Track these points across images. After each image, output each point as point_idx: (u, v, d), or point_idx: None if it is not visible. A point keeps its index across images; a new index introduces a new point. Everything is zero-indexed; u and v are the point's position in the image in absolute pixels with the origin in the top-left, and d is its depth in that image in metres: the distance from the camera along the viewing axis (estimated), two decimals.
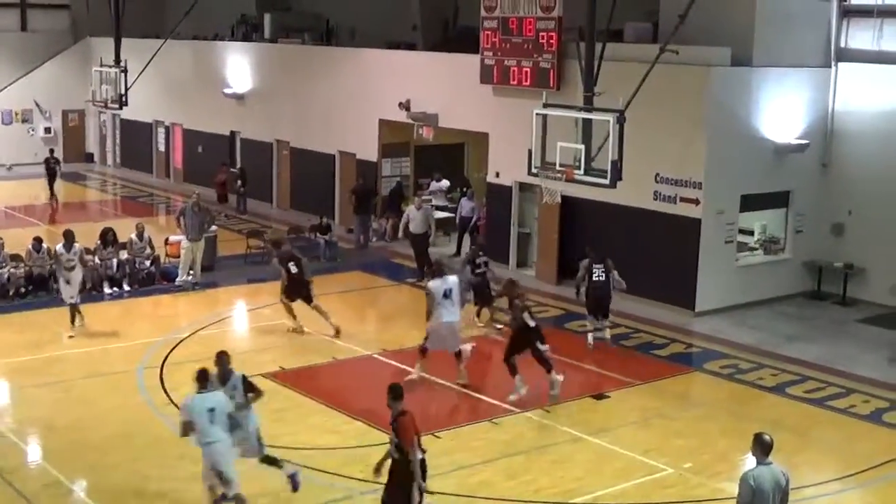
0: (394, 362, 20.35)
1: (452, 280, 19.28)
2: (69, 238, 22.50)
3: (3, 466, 15.21)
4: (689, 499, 14.65)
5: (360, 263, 28.96)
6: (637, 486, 14.98)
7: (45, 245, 25.48)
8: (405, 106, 30.80)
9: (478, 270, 22.96)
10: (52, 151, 42.34)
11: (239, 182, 36.79)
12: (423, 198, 28.83)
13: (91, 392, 18.61)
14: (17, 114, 48.01)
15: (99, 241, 25.94)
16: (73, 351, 20.98)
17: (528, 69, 26.58)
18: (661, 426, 17.43)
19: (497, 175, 28.50)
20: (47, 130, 48.57)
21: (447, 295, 18.99)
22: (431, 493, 13.14)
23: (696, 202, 23.67)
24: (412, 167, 33.22)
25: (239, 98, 38.99)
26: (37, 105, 48.33)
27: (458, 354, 19.14)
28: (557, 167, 19.44)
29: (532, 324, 18.44)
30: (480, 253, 23.49)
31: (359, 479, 14.77)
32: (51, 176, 40.43)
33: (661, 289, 24.32)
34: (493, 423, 17.21)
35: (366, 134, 32.69)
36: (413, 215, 26.98)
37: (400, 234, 28.06)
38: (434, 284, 19.09)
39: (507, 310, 19.51)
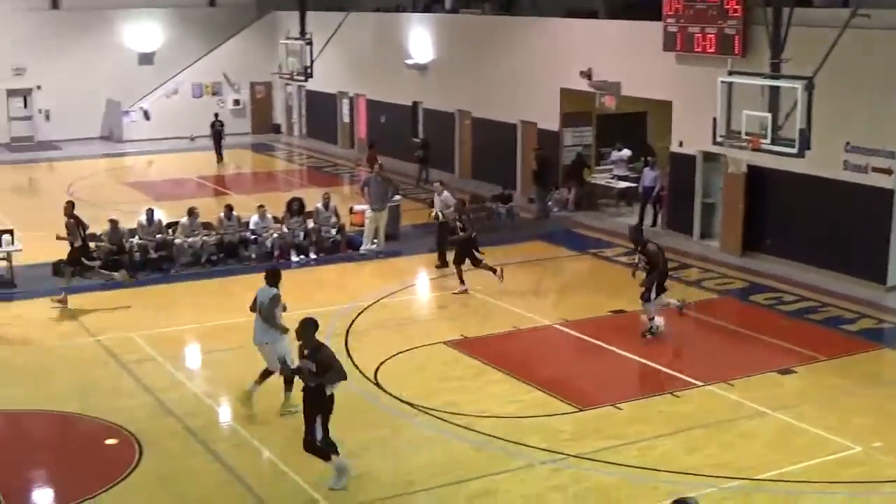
0: (575, 332, 20.33)
1: None
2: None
3: (197, 426, 15.79)
4: (880, 478, 14.22)
5: (541, 233, 28.94)
6: (822, 465, 14.61)
7: (235, 213, 26.30)
8: (587, 74, 30.58)
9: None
10: (216, 115, 44.05)
11: (420, 152, 37.14)
12: (442, 182, 27.45)
13: None
14: (206, 87, 49.46)
15: (286, 211, 26.65)
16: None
17: (713, 36, 26.05)
18: (848, 404, 16.90)
19: (680, 144, 28.08)
20: (236, 103, 49.93)
21: None
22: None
23: (889, 172, 22.80)
24: (594, 136, 32.98)
25: (421, 69, 39.32)
26: (226, 78, 49.70)
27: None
28: (743, 136, 19.09)
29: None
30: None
31: (539, 449, 14.84)
32: (217, 139, 42.09)
33: (850, 262, 23.61)
34: (675, 396, 17.03)
35: (547, 103, 32.59)
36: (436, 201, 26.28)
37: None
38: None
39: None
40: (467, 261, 23.09)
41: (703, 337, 20.68)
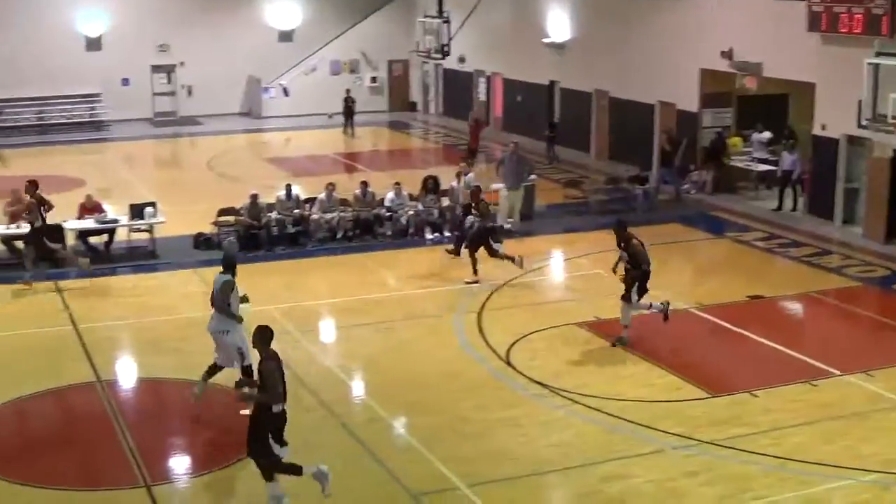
0: (710, 317, 20.05)
1: None
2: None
3: (331, 399, 16.00)
4: None
5: (678, 215, 28.57)
6: None
7: (370, 189, 26.54)
8: (728, 55, 30.06)
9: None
10: (348, 91, 44.74)
11: (548, 130, 36.96)
12: (469, 163, 26.88)
13: (412, 333, 19.27)
14: (345, 64, 49.94)
15: (421, 188, 26.80)
16: (395, 293, 21.77)
17: (860, 15, 25.31)
18: None
19: (823, 127, 27.40)
20: (373, 80, 50.32)
21: None
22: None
23: None
24: (734, 118, 32.41)
25: (558, 47, 39.10)
26: (363, 56, 50.12)
27: None
28: (889, 119, 18.57)
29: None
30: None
31: (672, 434, 14.69)
32: (347, 114, 42.83)
33: None
34: (812, 385, 16.67)
35: (686, 83, 32.13)
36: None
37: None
38: None
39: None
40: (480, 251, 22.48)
41: (843, 326, 20.20)
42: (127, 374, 17.93)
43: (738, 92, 31.38)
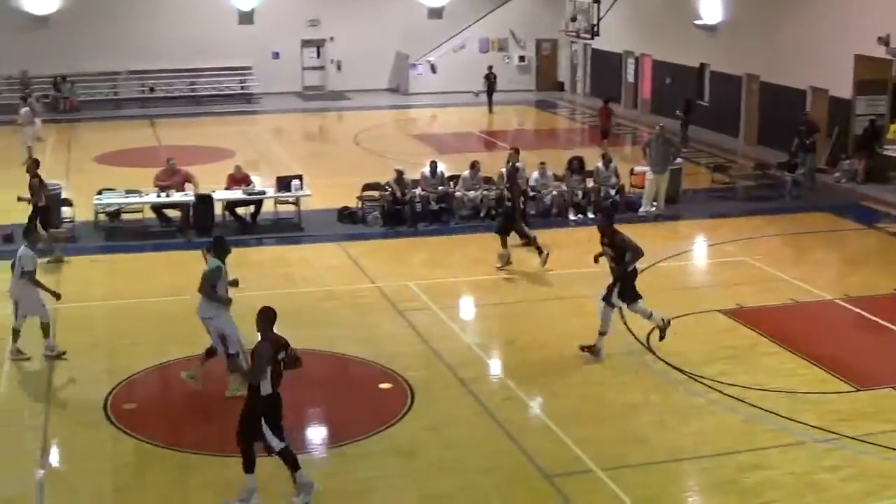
0: (857, 309, 19.53)
1: None
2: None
3: (469, 377, 16.04)
4: None
5: (827, 205, 27.88)
6: None
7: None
8: (885, 41, 29.17)
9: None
10: (490, 67, 44.87)
11: (680, 111, 36.39)
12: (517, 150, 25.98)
13: (552, 314, 19.20)
14: (493, 42, 49.95)
15: (567, 169, 26.68)
16: (537, 272, 21.71)
17: None
18: None
19: None
20: (521, 59, 50.26)
21: None
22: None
23: None
24: (888, 106, 31.45)
25: (710, 30, 38.47)
26: (512, 34, 50.06)
27: None
28: None
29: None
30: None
31: (813, 426, 14.38)
32: (489, 91, 42.96)
33: None
34: None
35: (840, 69, 31.28)
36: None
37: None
38: None
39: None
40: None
41: None
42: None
43: (895, 79, 30.45)
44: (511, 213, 22.35)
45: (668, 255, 22.59)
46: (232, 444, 12.42)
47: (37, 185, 22.71)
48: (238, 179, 25.54)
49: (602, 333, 16.73)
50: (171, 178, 25.32)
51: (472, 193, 25.77)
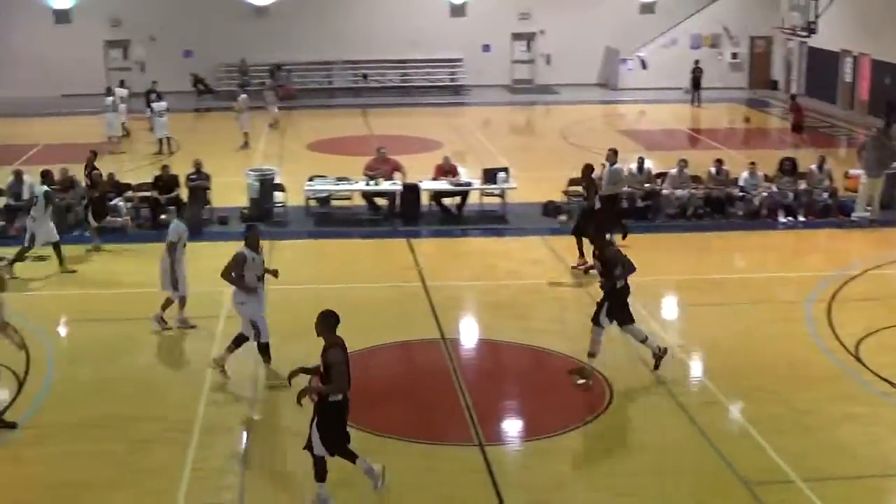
0: None
1: None
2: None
3: (668, 378, 15.80)
4: None
5: None
6: None
7: (725, 168, 26.01)
8: None
9: None
10: (696, 62, 44.32)
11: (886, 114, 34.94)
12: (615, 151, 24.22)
13: (756, 318, 18.73)
14: (705, 38, 49.12)
15: (777, 170, 26.02)
16: (742, 276, 21.28)
17: None
18: None
19: None
20: (734, 56, 49.29)
21: None
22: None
23: None
24: None
25: None
26: (725, 31, 49.11)
27: None
28: None
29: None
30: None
31: None
32: (695, 85, 42.48)
33: None
34: None
35: None
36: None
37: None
38: None
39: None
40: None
41: None
42: (470, 333, 18.38)
43: None
44: (588, 214, 21.57)
45: (883, 262, 21.79)
46: (421, 431, 12.59)
47: (98, 178, 23.60)
48: (446, 170, 25.80)
49: (591, 355, 15.64)
50: (381, 166, 25.76)
51: (679, 192, 25.39)
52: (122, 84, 38.19)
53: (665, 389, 15.45)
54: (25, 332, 17.22)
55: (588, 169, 21.98)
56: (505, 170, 25.78)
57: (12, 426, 13.59)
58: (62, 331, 18.58)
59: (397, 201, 25.17)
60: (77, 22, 48.72)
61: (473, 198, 25.69)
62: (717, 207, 25.49)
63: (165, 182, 24.99)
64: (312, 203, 25.78)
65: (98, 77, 43.00)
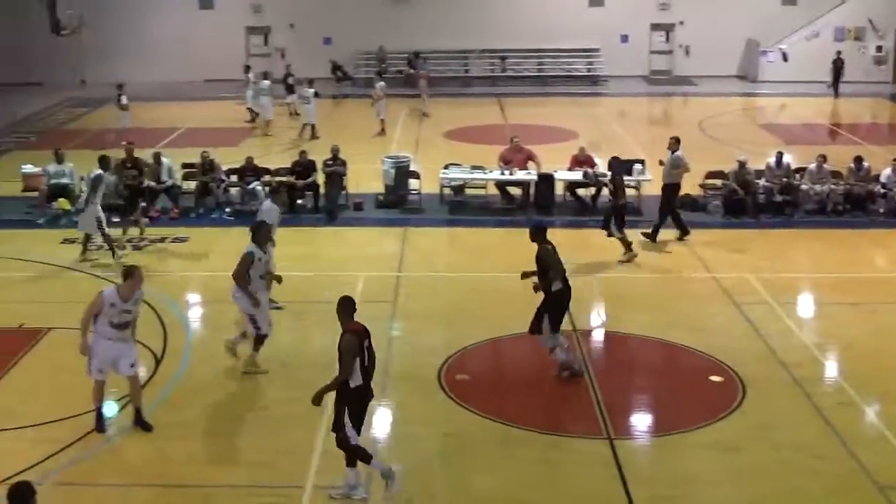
0: None
1: None
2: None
3: (803, 377, 15.53)
4: None
5: None
6: None
7: (866, 164, 25.47)
8: None
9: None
10: (838, 53, 44.14)
11: None
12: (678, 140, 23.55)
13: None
14: (849, 31, 47.98)
15: None
16: (883, 274, 20.80)
17: None
18: None
19: None
20: (878, 49, 48.03)
21: None
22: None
23: None
24: None
25: None
26: (871, 23, 47.89)
27: None
28: None
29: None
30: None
31: None
32: (836, 76, 41.73)
33: None
34: None
35: None
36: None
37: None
38: None
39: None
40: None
41: None
42: (600, 325, 18.32)
43: None
44: (612, 209, 21.31)
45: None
46: (549, 422, 12.56)
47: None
48: (581, 161, 25.70)
49: (552, 349, 15.38)
50: (515, 156, 25.79)
51: (818, 187, 24.90)
52: (247, 70, 38.82)
53: (799, 389, 15.19)
54: (166, 311, 17.78)
55: (615, 161, 22.08)
56: (641, 161, 25.58)
57: (148, 428, 13.87)
58: (198, 310, 19.04)
59: (531, 191, 25.17)
60: (219, 8, 49.79)
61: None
62: (857, 204, 24.92)
63: (303, 167, 25.40)
64: (447, 191, 25.94)
65: (239, 63, 43.68)
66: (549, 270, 15.04)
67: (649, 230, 22.50)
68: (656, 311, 18.35)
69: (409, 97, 43.03)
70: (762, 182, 24.96)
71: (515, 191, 25.62)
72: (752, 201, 24.60)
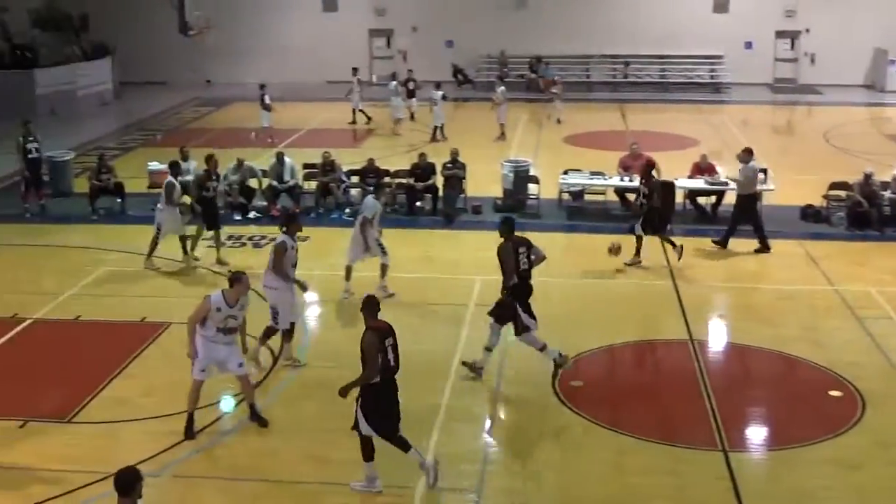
0: None
1: None
2: None
3: None
4: None
5: None
6: None
7: None
8: None
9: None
10: None
11: None
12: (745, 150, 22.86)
13: None
14: None
15: None
16: None
17: None
18: None
19: None
20: None
21: None
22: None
23: None
24: None
25: None
26: None
27: None
28: None
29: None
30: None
31: None
32: None
33: None
34: None
35: None
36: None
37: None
38: None
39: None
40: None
41: None
42: (718, 336, 18.10)
43: None
44: (649, 211, 21.07)
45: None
46: (663, 432, 12.42)
47: (203, 178, 21.78)
48: (702, 169, 25.41)
49: (486, 351, 15.54)
50: (635, 162, 25.62)
51: None
52: (355, 72, 39.05)
53: None
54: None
55: (648, 166, 21.66)
56: (763, 171, 25.21)
57: (264, 423, 14.07)
58: (315, 309, 19.27)
59: None
60: (343, 10, 50.33)
61: (729, 198, 25.20)
62: None
63: (423, 170, 25.56)
64: (565, 196, 25.87)
65: (361, 65, 44.06)
66: (504, 265, 15.29)
67: (717, 238, 22.46)
68: (776, 324, 18.06)
69: (529, 101, 43.05)
70: (888, 194, 24.39)
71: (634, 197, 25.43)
72: (876, 213, 24.07)
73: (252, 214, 24.72)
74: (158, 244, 20.85)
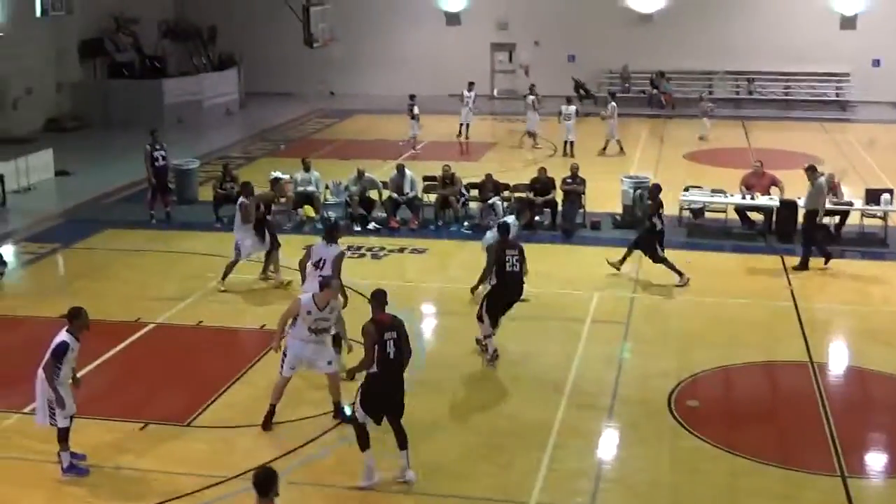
0: None
1: None
2: None
3: None
4: None
5: None
6: None
7: None
8: None
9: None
10: None
11: None
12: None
13: None
14: None
15: None
16: None
17: None
18: None
19: None
20: None
21: None
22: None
23: None
24: None
25: None
26: None
27: None
28: None
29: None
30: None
31: None
32: None
33: None
34: None
35: None
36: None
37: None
38: None
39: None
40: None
41: None
42: (839, 359, 17.79)
43: None
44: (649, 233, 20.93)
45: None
46: (780, 455, 12.19)
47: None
48: (829, 188, 24.98)
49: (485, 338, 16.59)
50: (758, 180, 25.31)
51: None
52: (470, 86, 39.10)
53: None
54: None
55: (656, 189, 21.37)
56: (889, 191, 24.70)
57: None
58: (432, 320, 19.41)
59: (773, 217, 24.62)
60: (466, 24, 50.56)
61: (854, 218, 24.76)
62: None
63: (542, 184, 25.57)
64: (686, 213, 25.65)
65: (483, 78, 44.16)
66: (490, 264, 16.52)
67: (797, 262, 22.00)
68: (894, 347, 17.67)
69: (651, 118, 42.75)
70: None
71: (757, 216, 25.10)
72: None
73: (372, 226, 24.96)
74: (238, 264, 20.63)
